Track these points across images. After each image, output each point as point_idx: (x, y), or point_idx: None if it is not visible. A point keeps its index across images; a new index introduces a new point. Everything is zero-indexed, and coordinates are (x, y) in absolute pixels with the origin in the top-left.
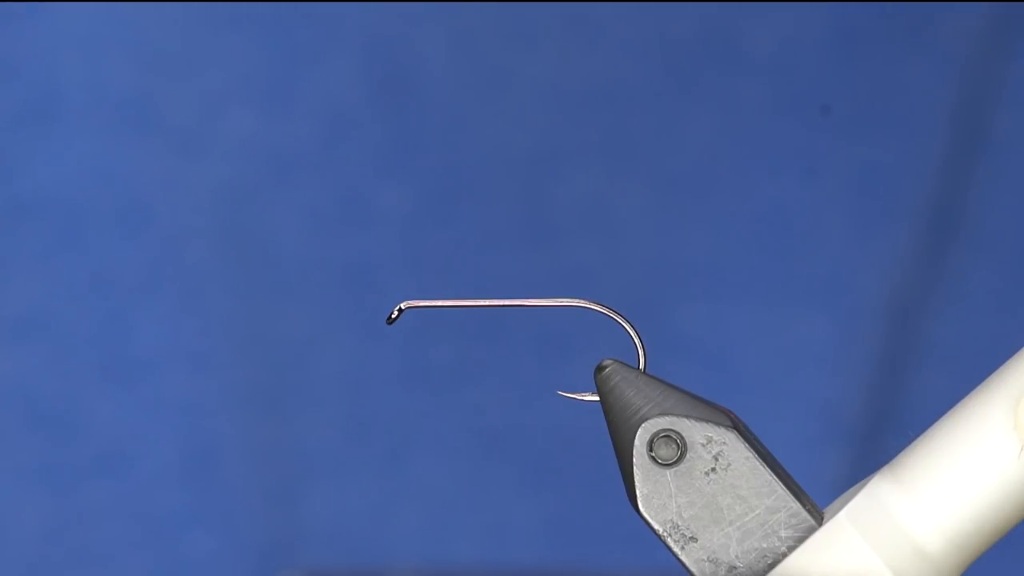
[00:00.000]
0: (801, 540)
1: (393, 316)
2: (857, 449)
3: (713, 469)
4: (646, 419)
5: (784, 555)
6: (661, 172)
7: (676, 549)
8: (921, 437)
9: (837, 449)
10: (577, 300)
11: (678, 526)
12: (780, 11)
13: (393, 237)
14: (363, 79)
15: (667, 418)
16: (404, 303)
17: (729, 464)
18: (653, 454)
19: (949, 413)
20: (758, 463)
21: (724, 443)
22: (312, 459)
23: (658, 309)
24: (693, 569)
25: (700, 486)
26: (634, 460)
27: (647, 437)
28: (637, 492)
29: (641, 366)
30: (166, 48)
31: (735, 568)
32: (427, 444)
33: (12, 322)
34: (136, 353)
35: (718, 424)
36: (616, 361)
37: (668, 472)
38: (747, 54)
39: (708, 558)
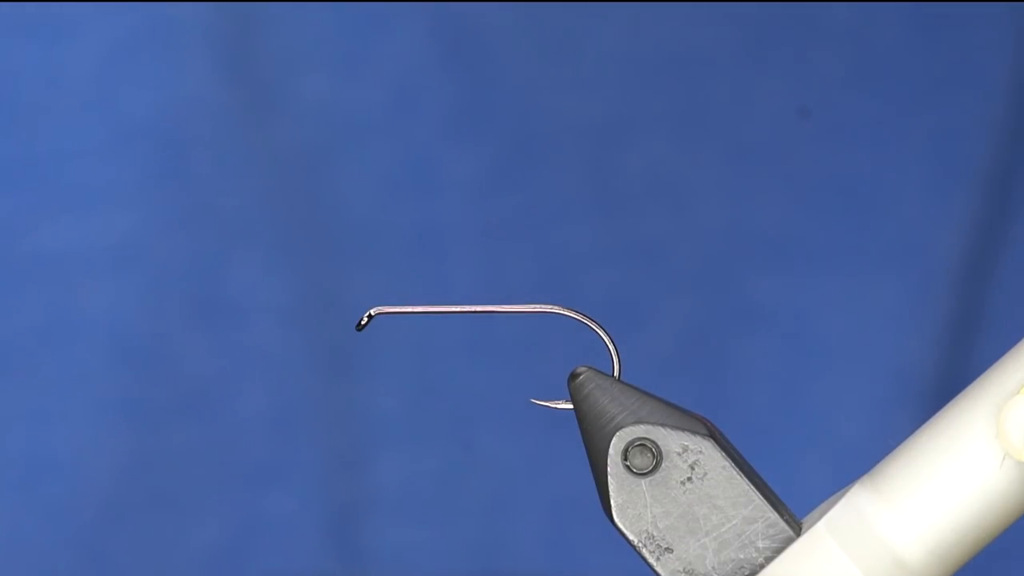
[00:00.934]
0: (779, 551)
1: (362, 323)
2: (926, 410)
3: (689, 478)
4: (621, 427)
5: (761, 566)
6: (734, 141)
7: (651, 560)
8: (902, 445)
9: (913, 413)
10: (550, 306)
11: (653, 536)
12: None
13: (463, 203)
14: (432, 45)
15: (642, 426)
16: (374, 309)
17: (705, 473)
18: (628, 463)
19: (930, 421)
20: (735, 472)
21: (700, 452)
22: (381, 425)
23: (731, 280)
24: None
25: (676, 496)
26: (608, 469)
27: (622, 446)
28: (611, 502)
29: (616, 373)
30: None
31: None
32: (494, 415)
33: (106, 254)
34: (228, 297)
35: (694, 433)
36: (590, 368)
37: (643, 481)
38: (823, 21)
39: (684, 569)
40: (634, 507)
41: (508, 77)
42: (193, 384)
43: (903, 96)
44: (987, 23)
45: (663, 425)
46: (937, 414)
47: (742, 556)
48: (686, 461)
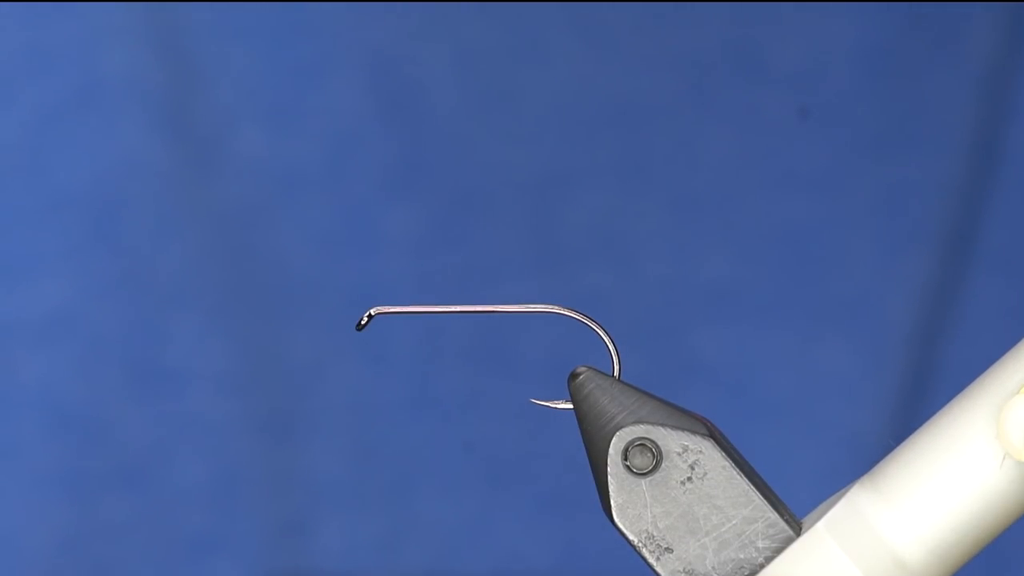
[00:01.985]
0: (779, 551)
1: (363, 322)
2: None
3: (689, 478)
4: (621, 427)
5: (761, 566)
6: (677, 191)
7: (651, 560)
8: (902, 445)
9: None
10: (550, 306)
11: (653, 536)
12: (802, 26)
13: (401, 259)
14: (369, 97)
15: (642, 426)
16: (374, 309)
17: (705, 473)
18: (628, 463)
19: (930, 421)
20: (735, 472)
21: (700, 452)
22: (321, 488)
23: (675, 333)
24: None
25: (676, 496)
26: (608, 469)
27: (622, 446)
28: (611, 502)
29: (616, 373)
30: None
31: None
32: (434, 473)
33: (40, 323)
34: (165, 364)
35: (694, 433)
36: (590, 368)
37: (643, 481)
38: (768, 70)
39: (684, 569)
40: (634, 507)
41: (446, 131)
42: (131, 453)
43: (855, 148)
44: (941, 75)
45: (663, 425)
46: (937, 414)
47: (742, 556)
48: (686, 461)
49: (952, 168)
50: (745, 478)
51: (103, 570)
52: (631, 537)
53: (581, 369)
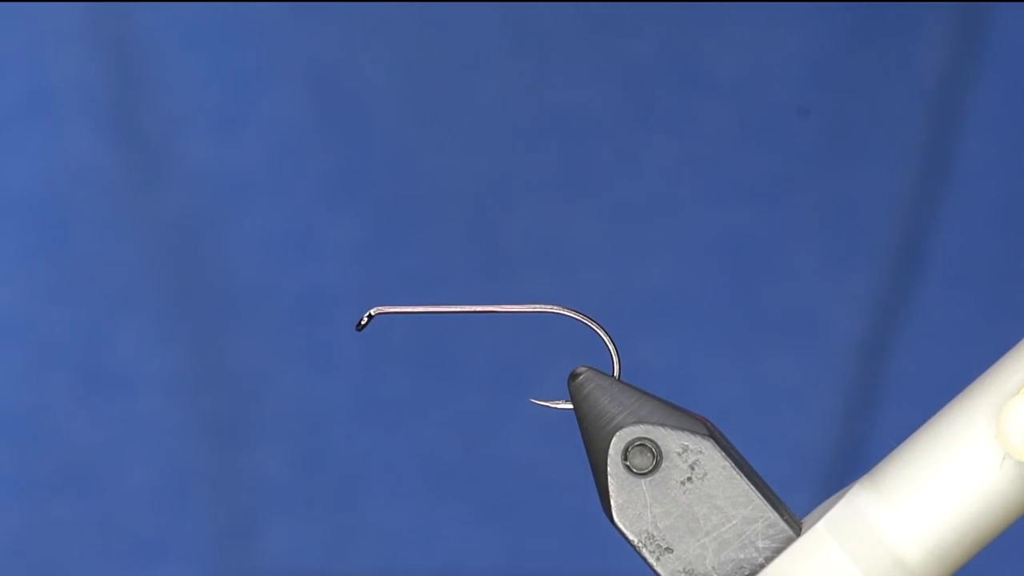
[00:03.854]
0: (779, 551)
1: (363, 322)
2: (825, 489)
3: (689, 478)
4: (621, 427)
5: (761, 566)
6: (619, 201)
7: (651, 560)
8: (902, 445)
9: (806, 489)
10: (551, 306)
11: (653, 536)
12: (744, 36)
13: (343, 268)
14: (310, 106)
15: (642, 426)
16: (374, 309)
17: (705, 473)
18: (628, 463)
19: (930, 421)
20: (735, 472)
21: (700, 452)
22: (268, 491)
23: (617, 343)
24: None
25: (676, 496)
26: (608, 469)
27: (622, 446)
28: (611, 502)
29: (616, 373)
30: (138, 55)
31: None
32: (380, 477)
33: None
34: (112, 368)
35: (694, 433)
36: (590, 368)
37: (643, 481)
38: (710, 79)
39: (684, 569)
40: (634, 507)
41: (386, 139)
42: (78, 456)
43: (801, 159)
44: (889, 88)
45: (663, 425)
46: (937, 414)
47: (742, 556)
48: (686, 461)
49: (900, 180)
50: (745, 478)
51: (51, 572)
52: (631, 537)
53: (581, 369)
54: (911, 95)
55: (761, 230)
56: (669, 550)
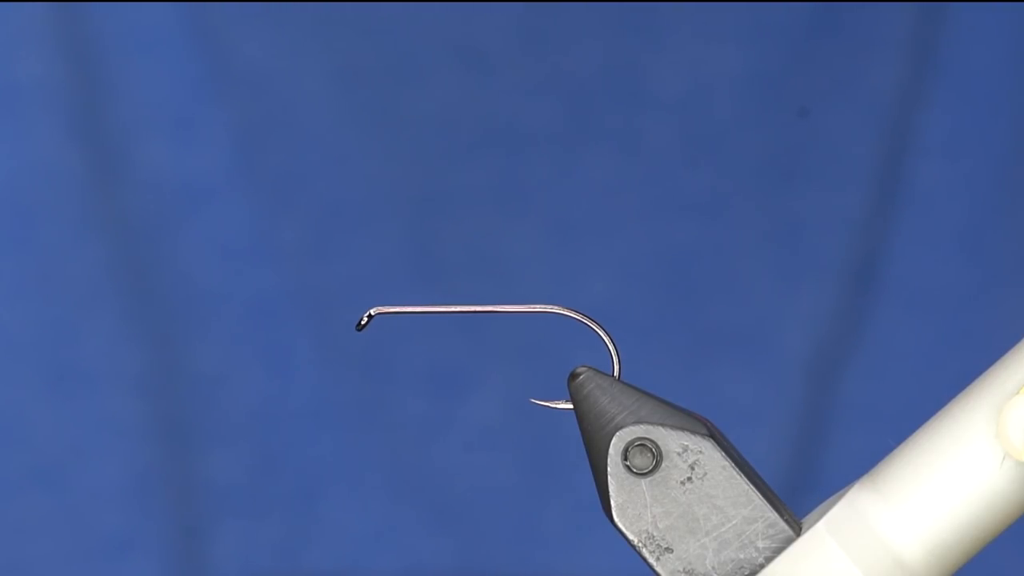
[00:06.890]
0: (779, 551)
1: (363, 322)
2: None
3: (689, 478)
4: (621, 427)
5: (761, 566)
6: (557, 214)
7: (651, 560)
8: (902, 445)
9: None
10: (550, 307)
11: (653, 536)
12: (686, 52)
13: (289, 273)
14: (250, 114)
15: (642, 426)
16: (374, 309)
17: (705, 473)
18: (628, 463)
19: (930, 421)
20: (735, 472)
21: (700, 452)
22: (223, 492)
23: (554, 353)
24: None
25: (676, 496)
26: (608, 469)
27: (622, 446)
28: (612, 502)
29: (616, 374)
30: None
31: None
32: (334, 479)
33: None
34: (76, 366)
35: (694, 432)
36: (590, 368)
37: (643, 481)
38: (652, 93)
39: (684, 569)
40: (634, 507)
41: (324, 149)
42: (42, 454)
43: (744, 176)
44: (839, 108)
45: (663, 425)
46: (937, 414)
47: (742, 556)
48: (686, 461)
49: (852, 199)
50: (745, 478)
51: (14, 570)
52: (631, 537)
53: (581, 369)
54: (863, 114)
55: (702, 246)
56: (669, 550)
